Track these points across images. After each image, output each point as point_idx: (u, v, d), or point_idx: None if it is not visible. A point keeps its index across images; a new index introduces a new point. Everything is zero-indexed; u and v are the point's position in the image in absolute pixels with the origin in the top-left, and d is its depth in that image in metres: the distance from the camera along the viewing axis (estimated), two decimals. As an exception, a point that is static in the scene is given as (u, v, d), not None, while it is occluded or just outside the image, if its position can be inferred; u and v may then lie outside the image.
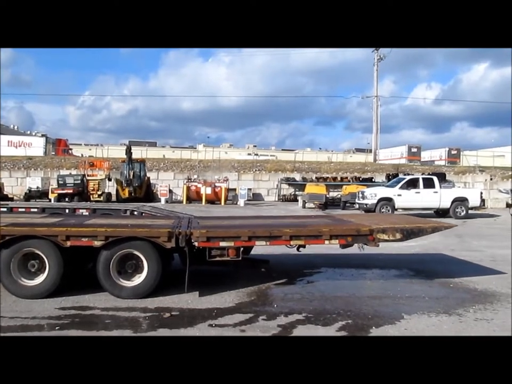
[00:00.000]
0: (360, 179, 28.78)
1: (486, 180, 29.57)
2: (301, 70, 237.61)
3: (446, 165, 40.13)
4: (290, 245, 6.24)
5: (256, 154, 45.56)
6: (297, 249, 6.69)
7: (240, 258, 5.84)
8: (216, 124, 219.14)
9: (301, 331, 4.62)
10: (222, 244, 5.71)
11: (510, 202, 20.65)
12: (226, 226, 6.68)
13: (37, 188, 25.25)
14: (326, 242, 6.05)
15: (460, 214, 18.16)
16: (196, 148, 57.58)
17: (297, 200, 25.68)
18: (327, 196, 24.35)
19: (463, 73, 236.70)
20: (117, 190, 25.69)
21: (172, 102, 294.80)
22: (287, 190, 29.35)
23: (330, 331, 4.64)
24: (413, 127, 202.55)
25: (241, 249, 5.86)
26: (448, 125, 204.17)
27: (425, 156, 48.31)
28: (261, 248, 7.04)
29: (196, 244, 5.70)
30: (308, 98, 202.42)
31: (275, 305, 5.49)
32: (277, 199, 28.82)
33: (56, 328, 4.56)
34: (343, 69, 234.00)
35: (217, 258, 5.78)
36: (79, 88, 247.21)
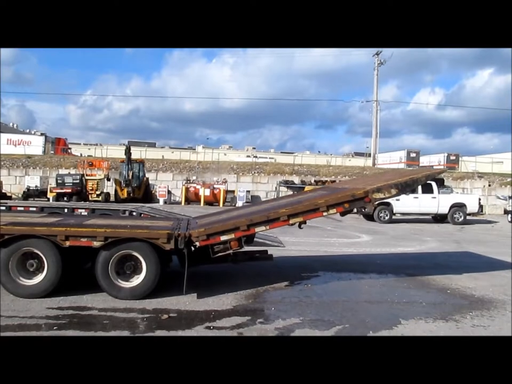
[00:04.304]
0: (359, 183, 28.87)
1: (484, 186, 29.68)
2: (304, 72, 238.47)
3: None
4: (290, 224, 6.07)
5: (255, 157, 45.57)
6: (299, 227, 6.43)
7: (243, 247, 5.89)
8: (218, 125, 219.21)
9: (298, 335, 4.62)
10: (223, 238, 5.70)
11: (508, 208, 20.67)
12: (224, 219, 6.64)
13: (36, 186, 25.28)
14: (325, 214, 6.00)
15: (458, 219, 18.20)
16: (195, 149, 57.61)
17: (295, 203, 25.71)
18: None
19: (467, 79, 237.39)
20: (115, 190, 25.71)
21: (174, 103, 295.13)
22: (286, 193, 29.40)
23: (328, 335, 4.65)
24: (415, 132, 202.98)
25: (244, 239, 5.87)
26: (450, 131, 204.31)
27: (424, 161, 48.37)
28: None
29: (197, 243, 5.70)
30: (310, 101, 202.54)
31: (273, 308, 5.49)
32: (275, 202, 28.82)
33: (54, 328, 4.55)
34: (347, 72, 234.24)
35: (221, 253, 5.78)
36: (81, 86, 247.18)
